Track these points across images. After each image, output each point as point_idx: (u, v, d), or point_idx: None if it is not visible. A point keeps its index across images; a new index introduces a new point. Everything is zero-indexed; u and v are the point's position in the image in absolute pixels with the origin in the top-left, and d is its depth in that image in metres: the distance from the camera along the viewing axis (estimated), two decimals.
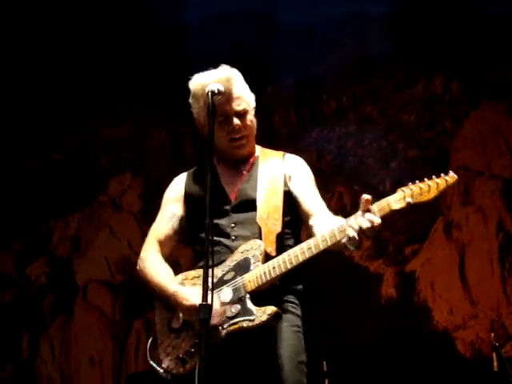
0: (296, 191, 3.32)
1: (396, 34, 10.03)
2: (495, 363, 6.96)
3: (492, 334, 7.34)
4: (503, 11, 9.32)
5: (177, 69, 10.20)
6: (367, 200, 2.92)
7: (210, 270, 2.81)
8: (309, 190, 3.36)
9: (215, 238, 3.12)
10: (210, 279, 2.81)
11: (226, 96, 3.23)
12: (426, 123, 9.78)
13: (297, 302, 3.23)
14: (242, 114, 3.32)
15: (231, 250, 3.19)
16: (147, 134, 11.17)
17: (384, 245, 9.46)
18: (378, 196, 9.72)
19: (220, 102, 3.19)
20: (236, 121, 3.29)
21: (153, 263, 3.33)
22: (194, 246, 3.35)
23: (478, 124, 9.31)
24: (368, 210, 2.92)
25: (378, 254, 9.43)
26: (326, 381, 6.89)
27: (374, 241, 9.52)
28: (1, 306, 10.59)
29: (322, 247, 3.00)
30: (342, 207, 9.80)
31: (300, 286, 3.27)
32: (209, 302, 2.76)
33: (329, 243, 2.99)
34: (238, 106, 3.31)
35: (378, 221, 2.89)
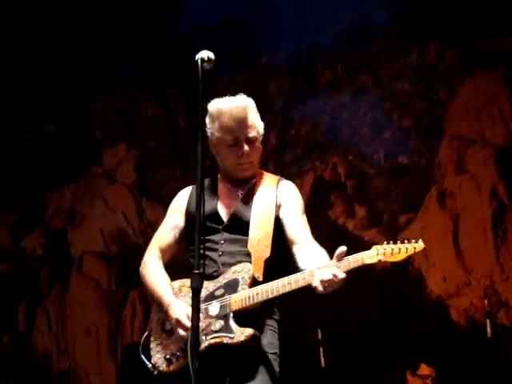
0: (284, 218, 3.52)
1: (391, 3, 9.99)
2: (489, 329, 7.04)
3: (486, 301, 7.43)
4: None
5: (170, 42, 10.19)
6: (341, 252, 3.14)
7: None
8: (296, 218, 3.54)
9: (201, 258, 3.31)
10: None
11: (240, 123, 3.49)
12: (421, 92, 9.77)
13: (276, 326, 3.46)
14: (251, 141, 3.54)
15: (217, 265, 3.42)
16: (141, 107, 11.16)
17: (378, 214, 9.50)
18: (372, 167, 9.64)
19: (233, 127, 3.48)
20: (246, 147, 3.52)
21: (152, 271, 3.55)
22: (189, 257, 3.54)
23: (472, 93, 9.29)
24: (341, 261, 3.15)
25: (373, 224, 9.47)
26: (321, 349, 6.98)
27: (369, 210, 9.56)
28: None
29: (300, 285, 3.21)
30: (336, 177, 9.83)
31: (277, 317, 3.49)
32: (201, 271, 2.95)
33: (299, 285, 3.20)
34: (249, 133, 3.53)
35: (340, 276, 3.10)
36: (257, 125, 3.59)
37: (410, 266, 9.04)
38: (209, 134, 3.58)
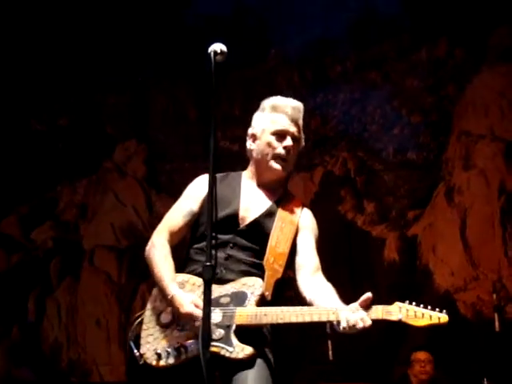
0: (299, 244, 3.46)
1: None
2: (497, 324, 7.05)
3: (494, 296, 7.43)
4: None
5: (180, 33, 10.20)
6: (367, 299, 3.10)
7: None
8: (310, 248, 3.48)
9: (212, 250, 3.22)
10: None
11: (292, 120, 3.50)
12: (430, 88, 9.75)
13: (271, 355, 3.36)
14: (295, 141, 3.51)
15: (220, 268, 3.31)
16: (150, 100, 11.17)
17: (387, 210, 9.51)
18: (381, 163, 9.59)
19: (285, 122, 3.48)
20: (290, 141, 3.47)
21: (161, 254, 3.43)
22: (192, 248, 3.50)
23: (480, 87, 9.28)
24: (367, 309, 3.10)
25: (381, 219, 9.48)
26: (329, 342, 7.01)
27: (377, 206, 9.57)
28: (7, 269, 10.72)
29: (314, 319, 3.14)
30: (346, 172, 9.84)
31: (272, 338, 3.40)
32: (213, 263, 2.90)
33: (321, 319, 3.13)
34: (296, 132, 3.51)
35: (368, 323, 3.06)
36: (302, 133, 3.57)
37: (418, 260, 9.06)
38: (254, 125, 3.56)
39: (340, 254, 8.98)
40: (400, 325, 3.09)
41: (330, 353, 7.06)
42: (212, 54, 3.10)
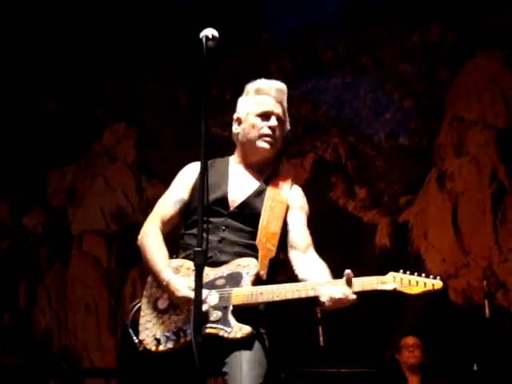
0: (290, 223, 3.46)
1: None
2: (487, 310, 7.08)
3: (484, 282, 7.47)
4: None
5: (171, 18, 10.15)
6: (349, 273, 3.10)
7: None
8: (301, 225, 3.49)
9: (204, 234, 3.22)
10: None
11: (276, 101, 3.51)
12: (422, 73, 9.74)
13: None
14: (280, 121, 3.52)
15: (215, 251, 3.32)
16: (141, 84, 11.13)
17: (379, 195, 9.51)
18: (373, 148, 9.60)
19: (269, 103, 3.49)
20: (275, 121, 3.48)
21: (154, 243, 3.42)
22: (184, 234, 3.50)
23: (473, 74, 9.28)
24: (349, 282, 3.11)
25: (373, 205, 9.48)
26: (320, 328, 7.02)
27: (369, 191, 9.57)
28: None
29: (308, 295, 3.14)
30: (337, 158, 9.83)
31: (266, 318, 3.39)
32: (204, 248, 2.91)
33: (313, 294, 3.13)
34: (281, 113, 3.52)
35: (351, 297, 3.07)
36: (287, 114, 3.57)
37: (409, 246, 9.08)
38: (238, 110, 3.56)
39: (331, 239, 9.00)
40: (395, 294, 3.09)
41: (321, 339, 7.07)
42: (204, 39, 3.09)
